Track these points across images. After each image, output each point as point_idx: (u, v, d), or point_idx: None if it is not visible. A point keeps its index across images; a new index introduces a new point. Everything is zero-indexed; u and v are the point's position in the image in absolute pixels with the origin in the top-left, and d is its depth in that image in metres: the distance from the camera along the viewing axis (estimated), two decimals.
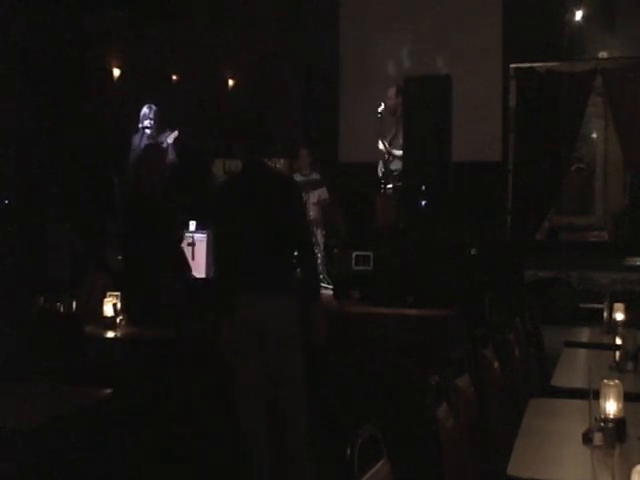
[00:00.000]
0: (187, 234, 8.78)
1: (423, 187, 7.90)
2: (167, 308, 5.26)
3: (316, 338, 4.11)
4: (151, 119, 7.95)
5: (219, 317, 4.10)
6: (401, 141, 8.26)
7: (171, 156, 7.96)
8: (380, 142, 8.39)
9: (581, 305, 7.96)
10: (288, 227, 4.14)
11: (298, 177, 9.09)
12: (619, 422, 2.59)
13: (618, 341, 3.92)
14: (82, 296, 5.38)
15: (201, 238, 8.86)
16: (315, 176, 9.01)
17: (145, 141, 8.00)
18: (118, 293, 5.11)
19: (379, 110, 8.32)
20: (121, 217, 7.27)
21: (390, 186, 8.44)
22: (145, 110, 7.98)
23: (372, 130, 8.53)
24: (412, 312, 7.17)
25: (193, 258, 8.57)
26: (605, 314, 4.67)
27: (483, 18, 9.66)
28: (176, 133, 7.97)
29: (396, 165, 8.41)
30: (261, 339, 3.99)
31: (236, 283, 4.03)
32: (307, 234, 4.61)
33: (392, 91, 8.33)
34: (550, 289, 8.38)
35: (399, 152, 8.31)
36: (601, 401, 2.61)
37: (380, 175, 8.46)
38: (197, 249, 8.75)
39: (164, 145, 7.87)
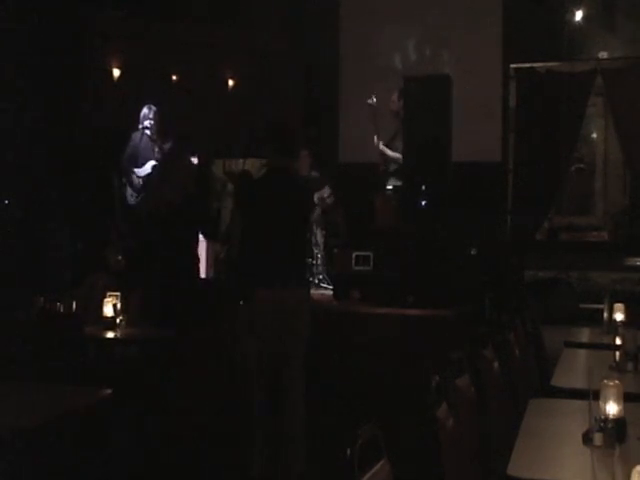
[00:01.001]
0: None
1: (423, 187, 7.90)
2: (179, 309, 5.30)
3: None
4: (151, 119, 7.96)
5: (241, 304, 4.70)
6: (397, 144, 8.28)
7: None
8: (375, 138, 8.41)
9: (581, 305, 7.95)
10: (303, 227, 4.75)
11: None
12: (619, 422, 2.59)
13: (618, 341, 3.91)
14: (82, 296, 5.39)
15: (201, 238, 8.85)
16: (315, 177, 9.01)
17: (145, 141, 8.00)
18: (118, 293, 5.12)
19: (369, 102, 8.33)
20: (139, 220, 7.32)
21: (390, 187, 8.45)
22: (145, 110, 8.00)
23: (374, 131, 8.54)
24: (412, 312, 7.18)
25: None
26: (605, 314, 4.67)
27: (483, 18, 9.65)
28: (195, 161, 7.91)
29: (392, 167, 8.43)
30: (278, 322, 4.49)
31: (259, 275, 4.53)
32: (306, 234, 5.34)
33: (395, 95, 8.34)
34: (550, 289, 8.38)
35: (394, 154, 8.32)
36: (601, 401, 2.61)
37: (382, 169, 8.48)
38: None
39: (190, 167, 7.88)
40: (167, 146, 7.99)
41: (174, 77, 10.41)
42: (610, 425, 2.57)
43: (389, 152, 8.40)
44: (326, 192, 8.97)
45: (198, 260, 6.00)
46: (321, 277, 8.76)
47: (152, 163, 7.97)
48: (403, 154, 8.16)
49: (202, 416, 4.91)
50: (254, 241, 4.61)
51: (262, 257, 4.53)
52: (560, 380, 3.66)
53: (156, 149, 7.98)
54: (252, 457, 4.52)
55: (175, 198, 5.53)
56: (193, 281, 5.79)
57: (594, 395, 2.62)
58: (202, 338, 5.00)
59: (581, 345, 4.62)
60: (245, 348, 4.64)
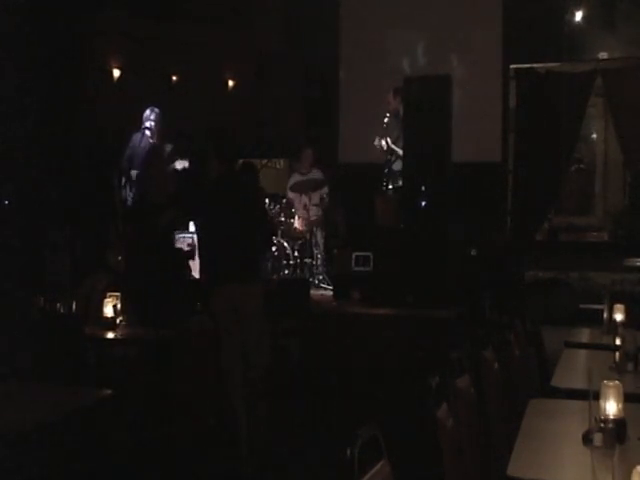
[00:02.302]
0: (187, 235, 8.80)
1: (423, 187, 7.90)
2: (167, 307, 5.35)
3: None
4: (152, 121, 7.96)
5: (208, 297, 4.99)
6: (400, 144, 8.28)
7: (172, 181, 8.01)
8: (382, 140, 8.39)
9: (581, 306, 7.95)
10: (257, 226, 5.09)
11: (298, 177, 9.10)
12: (619, 423, 2.59)
13: (618, 342, 3.91)
14: (82, 297, 5.38)
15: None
16: (316, 176, 9.01)
17: (144, 141, 8.00)
18: (118, 294, 5.12)
19: (385, 120, 8.32)
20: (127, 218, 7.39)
21: (391, 187, 8.44)
22: (147, 112, 7.99)
23: (374, 131, 8.53)
24: (412, 312, 7.18)
25: (192, 258, 8.57)
26: (605, 315, 4.67)
27: (483, 18, 9.65)
28: (186, 164, 8.00)
29: (398, 166, 8.42)
30: (238, 311, 4.90)
31: (219, 271, 4.97)
32: (270, 231, 5.89)
33: (390, 94, 8.35)
34: (550, 289, 8.37)
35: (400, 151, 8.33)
36: (601, 402, 2.61)
37: (385, 172, 8.47)
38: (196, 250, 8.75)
39: (171, 168, 7.94)
40: (166, 147, 7.98)
41: (174, 77, 10.42)
42: (610, 425, 2.57)
43: (397, 149, 8.36)
44: (325, 192, 8.98)
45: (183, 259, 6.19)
46: (321, 277, 8.76)
47: None
48: (403, 154, 8.16)
49: (201, 415, 4.91)
50: (208, 242, 5.08)
51: (215, 257, 5.01)
52: (560, 380, 3.66)
53: None
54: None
55: (157, 199, 5.64)
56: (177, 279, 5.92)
57: (594, 395, 2.62)
58: (200, 337, 5.00)
59: (581, 345, 4.62)
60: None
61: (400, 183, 8.31)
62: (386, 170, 8.49)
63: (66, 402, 3.36)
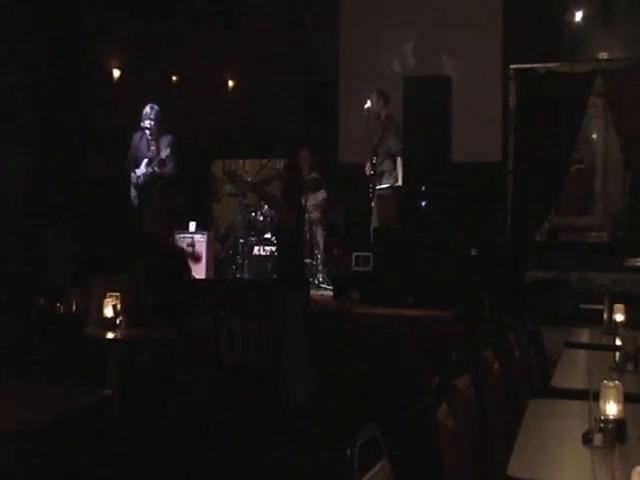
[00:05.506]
0: (187, 235, 8.80)
1: (423, 187, 7.90)
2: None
3: None
4: (151, 119, 7.94)
5: None
6: (389, 145, 8.25)
7: (170, 168, 7.97)
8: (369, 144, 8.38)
9: (581, 306, 7.95)
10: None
11: None
12: (619, 423, 2.59)
13: (618, 342, 3.91)
14: (82, 297, 5.39)
15: (201, 239, 8.87)
16: (315, 177, 9.00)
17: (144, 140, 7.99)
18: (118, 294, 5.11)
19: (365, 110, 8.31)
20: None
21: (386, 186, 8.39)
22: (147, 110, 7.98)
23: (373, 131, 8.51)
24: (412, 312, 7.18)
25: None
26: (605, 315, 4.67)
27: (483, 18, 9.66)
28: (168, 152, 7.92)
29: (383, 168, 8.35)
30: None
31: None
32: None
33: (374, 97, 8.31)
34: (550, 289, 8.38)
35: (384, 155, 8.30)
36: (601, 402, 2.61)
37: (370, 174, 8.44)
38: (197, 250, 8.77)
39: (161, 157, 7.92)
40: (165, 146, 7.96)
41: (174, 77, 10.42)
42: (610, 425, 2.57)
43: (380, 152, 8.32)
44: (322, 195, 8.96)
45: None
46: (321, 277, 8.75)
47: (145, 161, 7.97)
48: (403, 154, 8.14)
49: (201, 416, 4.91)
50: None
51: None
52: (560, 381, 3.66)
53: (152, 148, 7.97)
54: None
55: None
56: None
57: (594, 396, 2.62)
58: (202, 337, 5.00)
59: (581, 346, 4.62)
60: None
61: (386, 186, 8.28)
62: (371, 173, 8.45)
63: (66, 402, 3.36)
